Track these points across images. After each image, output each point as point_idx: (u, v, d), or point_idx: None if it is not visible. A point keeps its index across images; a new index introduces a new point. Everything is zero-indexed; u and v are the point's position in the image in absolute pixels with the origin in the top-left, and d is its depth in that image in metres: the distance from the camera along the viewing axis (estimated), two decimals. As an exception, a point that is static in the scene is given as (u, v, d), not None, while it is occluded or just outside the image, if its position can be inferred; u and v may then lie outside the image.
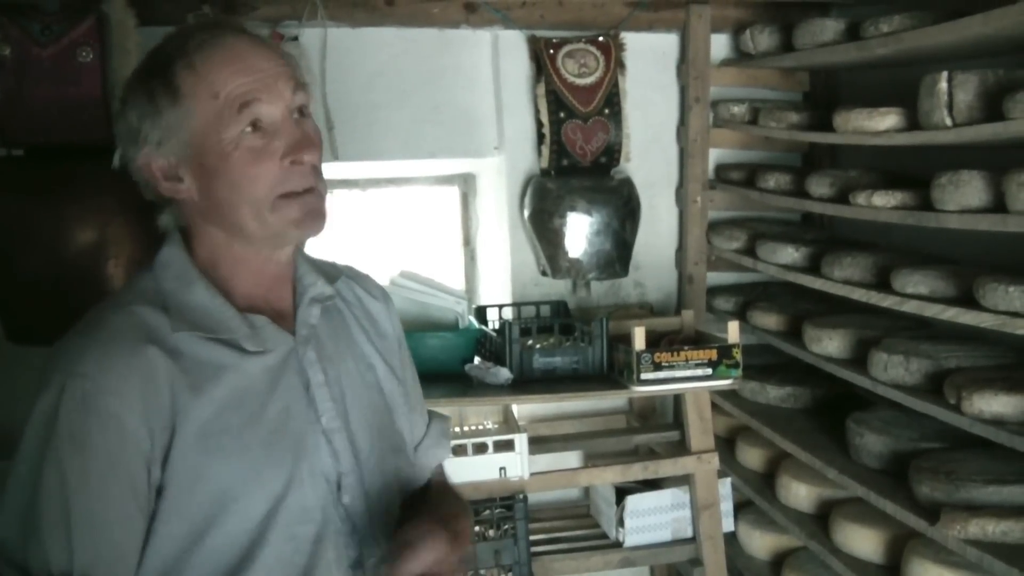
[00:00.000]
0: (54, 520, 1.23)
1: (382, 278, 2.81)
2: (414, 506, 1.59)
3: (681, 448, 2.83)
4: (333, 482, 1.43)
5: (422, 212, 3.55)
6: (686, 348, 2.58)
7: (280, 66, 1.38)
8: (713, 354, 2.58)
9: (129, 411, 1.27)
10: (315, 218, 1.41)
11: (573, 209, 3.08)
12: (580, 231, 3.10)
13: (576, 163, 3.13)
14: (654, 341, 2.64)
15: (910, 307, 2.27)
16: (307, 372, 1.45)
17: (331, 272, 1.62)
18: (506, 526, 2.64)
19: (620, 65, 3.17)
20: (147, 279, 1.42)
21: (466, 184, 3.54)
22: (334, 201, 3.38)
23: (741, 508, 3.03)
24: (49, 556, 1.23)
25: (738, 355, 2.59)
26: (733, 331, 2.60)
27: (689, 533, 2.81)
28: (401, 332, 1.70)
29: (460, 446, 2.58)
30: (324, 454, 1.43)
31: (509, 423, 2.83)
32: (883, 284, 2.41)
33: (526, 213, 3.16)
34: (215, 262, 1.44)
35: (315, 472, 1.41)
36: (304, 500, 1.38)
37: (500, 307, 3.04)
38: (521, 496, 2.64)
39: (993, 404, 1.98)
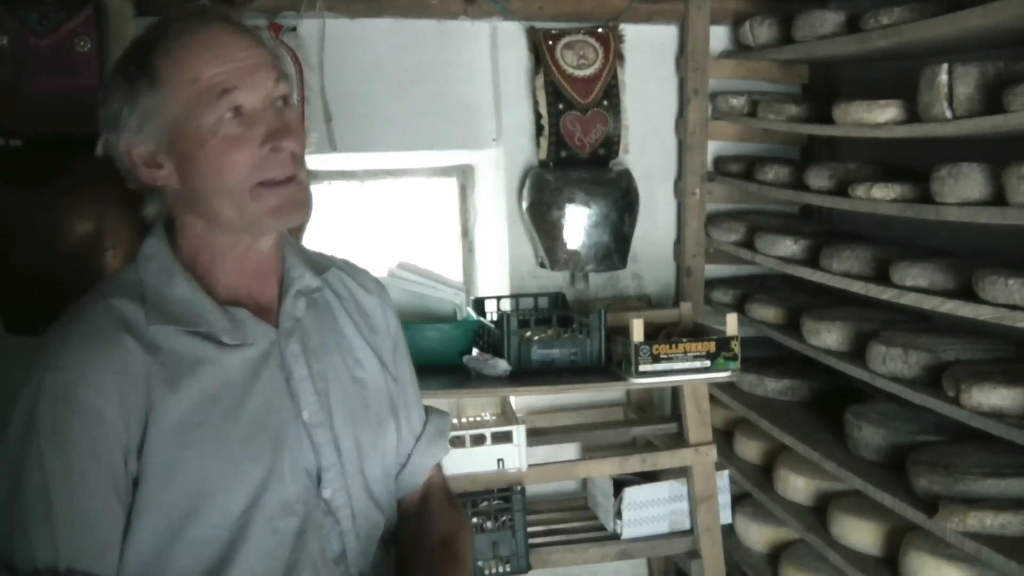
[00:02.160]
0: (38, 514, 1.23)
1: (380, 270, 2.82)
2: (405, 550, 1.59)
3: (679, 440, 2.83)
4: (313, 476, 1.43)
5: (420, 204, 3.55)
6: (684, 340, 2.58)
7: (261, 56, 1.38)
8: (711, 346, 2.57)
9: (107, 403, 1.27)
10: (294, 208, 1.40)
11: (571, 201, 3.08)
12: (578, 223, 3.10)
13: (574, 155, 3.12)
14: (652, 333, 2.64)
15: (909, 300, 2.27)
16: (290, 365, 1.45)
17: (320, 263, 1.60)
18: (504, 518, 2.64)
19: (619, 57, 3.16)
20: (130, 271, 1.43)
21: (464, 176, 3.54)
22: (332, 193, 3.37)
23: (739, 500, 3.03)
24: (34, 550, 1.22)
25: (736, 347, 2.58)
26: (731, 323, 2.60)
27: (687, 525, 2.81)
28: (397, 327, 1.69)
29: (458, 437, 2.58)
30: (305, 448, 1.42)
31: (507, 415, 2.83)
32: (882, 277, 2.40)
33: (524, 205, 3.15)
34: (196, 253, 1.43)
35: (296, 466, 1.40)
36: (285, 494, 1.38)
37: (498, 299, 3.03)
38: (519, 488, 2.64)
39: (992, 397, 1.98)
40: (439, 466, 1.73)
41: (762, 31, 3.03)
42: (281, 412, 1.42)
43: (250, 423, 1.37)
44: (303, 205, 1.41)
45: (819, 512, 2.62)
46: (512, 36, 3.12)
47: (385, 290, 1.71)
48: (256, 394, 1.39)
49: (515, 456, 2.61)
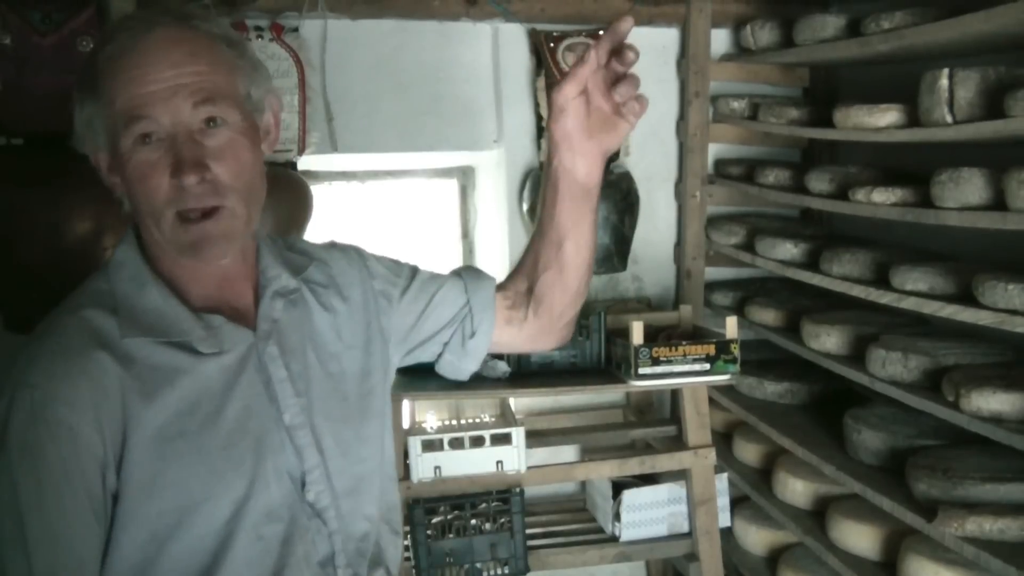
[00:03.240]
0: (11, 535, 1.22)
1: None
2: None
3: (678, 443, 2.82)
4: (297, 479, 1.41)
5: (421, 205, 3.55)
6: (684, 343, 2.57)
7: (188, 76, 1.30)
8: (711, 349, 2.57)
9: (80, 418, 1.25)
10: (209, 245, 1.34)
11: (572, 203, 3.07)
12: (579, 225, 3.09)
13: (576, 157, 3.12)
14: (652, 336, 2.64)
15: (909, 304, 2.27)
16: (268, 368, 1.42)
17: (299, 264, 1.57)
18: (502, 519, 2.63)
19: (620, 59, 3.16)
20: (101, 280, 1.40)
21: (465, 177, 3.54)
22: (333, 193, 3.37)
23: (738, 503, 3.03)
24: (7, 570, 1.22)
25: (736, 350, 2.58)
26: (731, 326, 2.59)
27: (685, 528, 2.81)
28: (389, 273, 1.67)
29: (457, 439, 2.58)
30: (288, 452, 1.40)
31: (506, 416, 2.82)
32: (882, 281, 2.40)
33: (525, 207, 3.15)
34: (159, 260, 1.40)
35: (280, 471, 1.39)
36: (269, 500, 1.36)
37: (498, 300, 3.03)
38: (517, 489, 2.64)
39: (991, 402, 1.98)
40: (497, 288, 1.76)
41: (763, 34, 3.04)
42: (262, 417, 1.40)
43: (230, 430, 1.35)
44: (222, 240, 1.35)
45: (818, 515, 2.62)
46: (513, 38, 3.12)
47: (364, 254, 1.68)
48: (235, 401, 1.37)
49: (514, 458, 2.61)
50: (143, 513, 1.29)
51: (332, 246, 1.69)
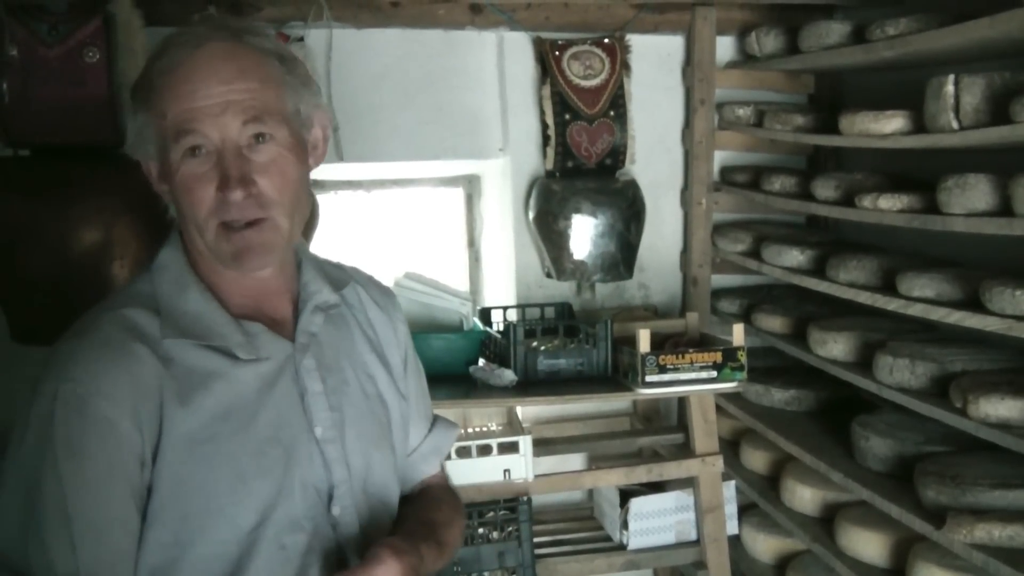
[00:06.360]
0: (56, 526, 1.23)
1: (387, 279, 2.81)
2: (401, 515, 1.58)
3: (685, 450, 2.82)
4: (324, 493, 1.41)
5: (426, 213, 3.55)
6: (691, 351, 2.57)
7: (238, 93, 1.32)
8: (718, 357, 2.57)
9: (121, 414, 1.26)
10: (251, 255, 1.36)
11: (578, 211, 3.08)
12: (585, 233, 3.10)
13: (581, 165, 3.13)
14: (658, 343, 2.64)
15: (916, 310, 2.27)
16: (304, 380, 1.43)
17: (339, 278, 1.58)
18: (510, 528, 2.63)
19: (625, 67, 3.16)
20: (144, 281, 1.41)
21: (471, 185, 3.55)
22: (339, 202, 3.38)
23: (745, 511, 3.02)
24: (54, 561, 1.22)
25: (743, 358, 2.58)
26: (738, 334, 2.59)
27: (693, 536, 2.81)
28: (408, 340, 1.67)
29: (464, 448, 2.58)
30: (316, 465, 1.41)
31: (513, 425, 2.83)
32: (888, 287, 2.40)
33: (531, 215, 3.16)
34: (200, 267, 1.42)
35: (306, 483, 1.39)
36: (293, 510, 1.37)
37: (504, 309, 3.03)
38: (525, 498, 2.64)
39: (999, 408, 1.98)
40: (442, 471, 1.74)
41: (768, 41, 3.04)
42: (293, 427, 1.40)
43: (262, 438, 1.36)
44: (264, 250, 1.37)
45: (826, 523, 2.61)
46: (519, 46, 3.13)
47: (397, 306, 1.69)
48: (269, 409, 1.38)
49: (521, 466, 2.61)
50: (168, 514, 1.30)
51: (380, 287, 1.71)
